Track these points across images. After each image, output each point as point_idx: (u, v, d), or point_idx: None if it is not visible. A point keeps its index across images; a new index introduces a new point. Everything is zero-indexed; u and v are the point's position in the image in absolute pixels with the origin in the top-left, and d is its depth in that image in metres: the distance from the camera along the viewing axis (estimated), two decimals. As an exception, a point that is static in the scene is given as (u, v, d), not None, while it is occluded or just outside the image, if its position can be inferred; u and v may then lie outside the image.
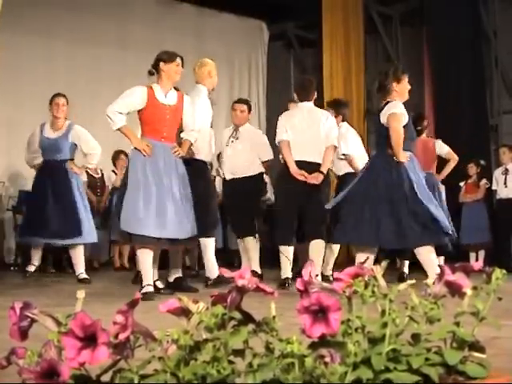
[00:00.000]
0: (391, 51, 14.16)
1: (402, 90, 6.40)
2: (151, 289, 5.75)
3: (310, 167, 6.72)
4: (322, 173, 6.70)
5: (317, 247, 6.75)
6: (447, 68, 12.13)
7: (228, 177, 7.72)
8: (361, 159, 7.52)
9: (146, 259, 5.85)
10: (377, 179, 6.15)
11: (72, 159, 8.14)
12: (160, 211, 5.75)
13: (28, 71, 11.62)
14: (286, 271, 6.77)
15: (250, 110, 7.88)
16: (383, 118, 6.20)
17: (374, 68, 14.47)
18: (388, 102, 6.29)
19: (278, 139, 6.94)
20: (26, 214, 8.65)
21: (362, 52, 13.85)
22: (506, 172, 10.39)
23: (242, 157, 7.48)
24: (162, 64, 6.09)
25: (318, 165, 6.74)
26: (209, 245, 6.94)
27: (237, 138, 7.69)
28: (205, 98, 6.78)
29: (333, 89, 13.44)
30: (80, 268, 7.86)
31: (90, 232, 8.02)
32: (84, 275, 7.77)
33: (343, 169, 7.70)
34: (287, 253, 6.80)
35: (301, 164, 6.74)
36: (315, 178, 6.68)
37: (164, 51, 6.27)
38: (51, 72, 11.96)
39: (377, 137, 6.58)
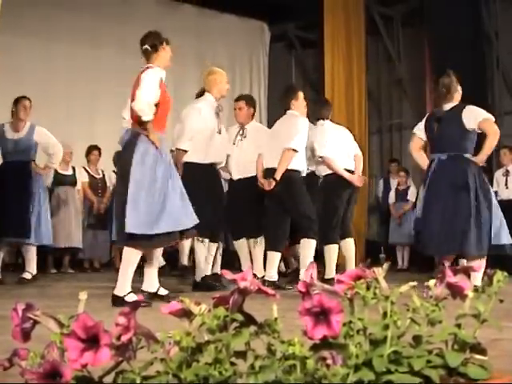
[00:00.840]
0: (392, 52, 14.18)
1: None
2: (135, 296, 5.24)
3: (270, 174, 6.96)
4: (274, 179, 6.87)
5: (303, 247, 6.95)
6: (448, 68, 12.11)
7: (235, 177, 7.70)
8: (340, 158, 7.52)
9: (135, 262, 5.38)
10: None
11: (34, 160, 8.07)
12: (174, 204, 5.43)
13: (28, 72, 11.63)
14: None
15: (250, 105, 7.84)
16: (471, 123, 6.29)
17: (375, 69, 14.51)
18: (456, 105, 6.55)
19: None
20: None
21: (363, 53, 13.87)
22: (506, 173, 10.39)
23: (248, 156, 7.48)
24: (164, 45, 5.74)
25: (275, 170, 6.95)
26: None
27: (245, 137, 7.70)
28: (205, 105, 6.90)
29: (334, 89, 13.45)
30: (29, 267, 7.94)
31: (43, 234, 8.00)
32: (26, 275, 7.87)
33: (324, 170, 7.65)
34: (277, 258, 7.04)
35: (267, 172, 7.01)
36: (267, 185, 6.93)
37: (158, 32, 5.88)
38: (51, 73, 11.97)
39: (451, 139, 6.41)
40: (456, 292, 1.57)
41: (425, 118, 6.77)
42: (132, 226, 5.19)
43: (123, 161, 5.53)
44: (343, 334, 1.47)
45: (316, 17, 13.63)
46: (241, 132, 7.74)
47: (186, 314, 1.44)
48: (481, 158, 6.32)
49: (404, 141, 14.31)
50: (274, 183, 6.84)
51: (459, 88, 6.48)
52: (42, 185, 8.13)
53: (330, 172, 7.49)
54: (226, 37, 14.49)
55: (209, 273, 6.91)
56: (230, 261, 8.25)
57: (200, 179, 6.69)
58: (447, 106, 6.47)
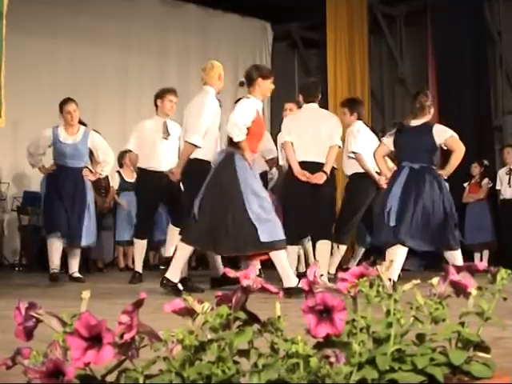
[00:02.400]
0: (395, 51, 14.17)
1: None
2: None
3: (314, 167, 6.73)
4: (324, 172, 6.68)
5: (323, 248, 6.76)
6: (451, 68, 12.12)
7: None
8: (370, 159, 7.49)
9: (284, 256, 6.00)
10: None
11: (87, 166, 8.06)
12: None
13: (31, 72, 11.65)
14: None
15: None
16: (439, 139, 6.53)
17: (378, 68, 14.49)
18: (427, 123, 6.65)
19: (281, 140, 7.00)
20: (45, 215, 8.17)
21: (366, 52, 13.85)
22: (510, 172, 10.38)
23: None
24: (259, 79, 6.16)
25: (322, 165, 6.74)
26: None
27: None
28: (213, 99, 6.77)
29: (337, 89, 13.45)
30: (75, 267, 8.09)
31: (90, 236, 8.03)
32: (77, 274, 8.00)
33: (353, 168, 7.65)
34: (294, 252, 6.90)
35: (304, 165, 6.76)
36: (318, 178, 6.67)
37: (262, 66, 6.56)
38: (55, 73, 11.98)
39: (416, 152, 6.59)
40: (459, 290, 1.56)
41: (395, 129, 6.83)
42: (267, 236, 5.83)
43: (224, 178, 5.96)
44: (346, 333, 1.47)
45: (319, 17, 13.63)
46: None
47: (189, 312, 1.44)
48: (447, 171, 6.65)
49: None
50: (324, 177, 6.69)
51: (432, 108, 6.75)
52: (90, 188, 8.13)
53: (357, 171, 7.50)
54: (230, 36, 14.48)
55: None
56: (235, 259, 8.22)
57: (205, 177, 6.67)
58: (418, 122, 6.60)
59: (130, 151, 7.93)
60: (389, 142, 6.75)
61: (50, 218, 7.83)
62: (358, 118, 7.83)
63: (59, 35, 12.22)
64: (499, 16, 12.58)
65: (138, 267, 7.72)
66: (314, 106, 7.03)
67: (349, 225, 7.51)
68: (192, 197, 6.35)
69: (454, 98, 12.03)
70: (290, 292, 5.40)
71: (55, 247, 7.85)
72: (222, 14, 14.49)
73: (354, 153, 7.52)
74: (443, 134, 6.57)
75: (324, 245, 6.77)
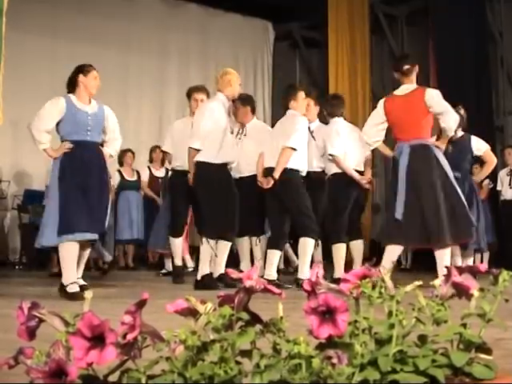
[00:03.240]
0: (397, 51, 14.16)
1: None
2: None
3: (269, 172, 6.91)
4: (272, 177, 6.82)
5: (301, 245, 6.91)
6: (452, 68, 12.11)
7: (236, 175, 7.72)
8: (352, 156, 7.46)
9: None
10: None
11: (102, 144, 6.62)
12: None
13: (31, 71, 11.65)
14: (301, 272, 6.87)
15: (245, 104, 7.89)
16: (478, 151, 7.75)
17: (380, 68, 14.49)
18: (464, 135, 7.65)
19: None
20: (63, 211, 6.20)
21: (367, 52, 13.87)
22: (510, 173, 10.38)
23: (249, 154, 7.49)
24: None
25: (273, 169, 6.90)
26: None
27: (245, 135, 7.74)
28: (218, 104, 6.90)
29: (338, 89, 13.43)
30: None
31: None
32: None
33: (332, 169, 7.59)
34: (277, 256, 6.97)
35: (267, 171, 6.96)
36: (266, 184, 6.89)
37: None
38: (55, 72, 11.96)
39: (461, 160, 7.39)
40: (462, 291, 1.56)
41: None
42: None
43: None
44: (348, 334, 1.47)
45: (320, 16, 13.64)
46: (241, 131, 7.78)
47: (192, 312, 1.44)
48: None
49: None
50: (272, 182, 6.81)
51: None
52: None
53: (338, 171, 7.45)
54: (231, 36, 14.49)
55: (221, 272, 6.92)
56: (235, 260, 8.23)
57: (212, 179, 6.73)
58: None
59: (165, 152, 8.15)
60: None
61: (69, 214, 6.04)
62: (337, 115, 7.67)
63: (59, 34, 12.23)
64: (500, 16, 12.58)
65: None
66: (289, 112, 7.14)
67: (336, 224, 7.48)
68: (200, 198, 6.79)
69: (455, 98, 11.98)
70: None
71: (73, 254, 6.10)
72: (223, 13, 14.49)
73: (331, 155, 7.47)
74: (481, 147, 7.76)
75: (301, 243, 6.90)
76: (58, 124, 6.24)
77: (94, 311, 1.37)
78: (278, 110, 12.28)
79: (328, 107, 7.74)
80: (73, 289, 5.83)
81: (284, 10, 14.24)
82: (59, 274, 6.42)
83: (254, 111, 8.01)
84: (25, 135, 10.38)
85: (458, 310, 1.57)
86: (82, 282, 6.15)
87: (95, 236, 6.17)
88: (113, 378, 1.43)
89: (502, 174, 10.52)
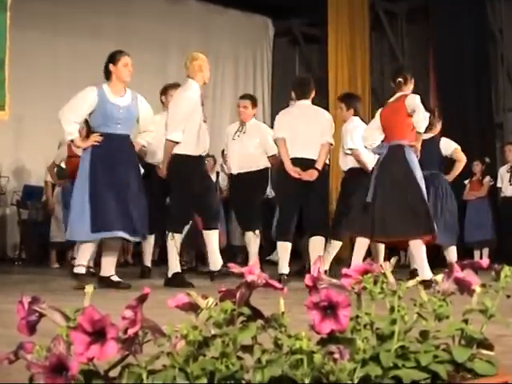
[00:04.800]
0: (396, 48, 14.17)
1: None
2: None
3: (306, 164, 6.78)
4: (316, 169, 6.73)
5: (317, 244, 6.78)
6: (452, 65, 12.11)
7: (235, 171, 7.74)
8: (369, 154, 7.47)
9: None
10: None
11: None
12: None
13: (32, 67, 11.64)
14: (283, 267, 6.79)
15: (254, 105, 7.90)
16: (447, 151, 8.05)
17: (379, 65, 14.49)
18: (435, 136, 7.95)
19: (274, 137, 7.04)
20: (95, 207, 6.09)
21: (367, 49, 13.86)
22: (511, 170, 10.38)
23: (248, 151, 7.49)
24: None
25: (313, 161, 6.78)
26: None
27: (244, 133, 7.73)
28: (192, 92, 6.64)
29: (338, 85, 13.45)
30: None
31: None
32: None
33: (349, 164, 7.64)
34: (285, 249, 6.84)
35: (296, 161, 6.79)
36: (309, 175, 6.73)
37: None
38: (55, 68, 12.00)
39: (430, 160, 7.51)
40: (464, 287, 1.56)
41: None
42: None
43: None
44: (350, 329, 1.47)
45: (320, 13, 13.62)
46: (241, 128, 7.78)
47: (193, 307, 1.44)
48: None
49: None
50: (316, 174, 6.73)
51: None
52: None
53: (355, 166, 7.49)
54: (231, 32, 14.49)
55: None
56: (233, 254, 8.24)
57: (189, 172, 6.56)
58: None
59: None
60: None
61: (103, 211, 5.98)
62: (355, 114, 7.79)
63: (60, 31, 12.24)
64: (501, 14, 12.58)
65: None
66: (307, 102, 7.07)
67: (344, 221, 7.49)
68: (173, 191, 6.63)
69: (455, 96, 12.02)
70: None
71: (90, 247, 6.23)
72: (223, 9, 14.49)
73: (350, 149, 7.50)
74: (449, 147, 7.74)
75: (318, 241, 6.79)
76: (89, 114, 6.23)
77: (95, 306, 1.37)
78: (277, 106, 12.29)
79: (350, 105, 7.86)
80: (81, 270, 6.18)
81: (284, 6, 14.24)
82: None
83: (255, 114, 8.05)
84: (25, 131, 10.43)
85: (460, 305, 1.56)
86: (117, 279, 6.27)
87: (130, 237, 6.25)
88: (113, 373, 1.43)
89: (503, 171, 10.53)
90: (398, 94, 6.62)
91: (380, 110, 6.81)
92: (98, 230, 5.98)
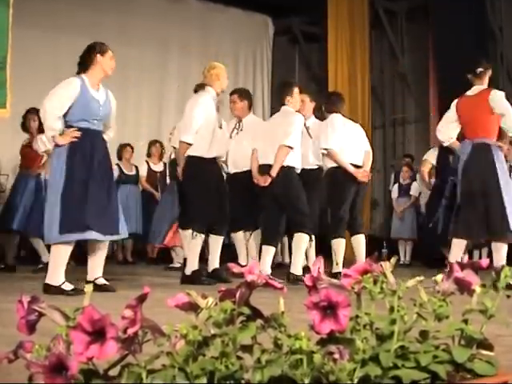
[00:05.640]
0: (396, 47, 14.17)
1: None
2: None
3: (267, 170, 6.90)
4: (269, 175, 6.81)
5: (297, 240, 6.89)
6: (452, 64, 12.10)
7: (231, 171, 7.75)
8: (348, 152, 7.43)
9: None
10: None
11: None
12: None
13: (33, 66, 11.63)
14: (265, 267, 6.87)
15: (242, 98, 7.88)
16: None
17: (379, 63, 14.49)
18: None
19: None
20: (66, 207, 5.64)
21: (367, 47, 13.86)
22: (510, 169, 10.37)
23: (244, 150, 7.48)
24: None
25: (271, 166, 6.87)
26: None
27: (241, 130, 7.74)
28: (207, 99, 6.84)
29: (337, 84, 13.45)
30: None
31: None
32: None
33: (328, 163, 7.56)
34: (271, 253, 6.95)
35: (262, 168, 6.95)
36: (263, 181, 6.87)
37: None
38: (55, 66, 11.96)
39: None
40: (463, 287, 1.56)
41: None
42: None
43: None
44: (350, 329, 1.47)
45: (320, 11, 13.61)
46: (237, 126, 7.79)
47: (193, 307, 1.44)
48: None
49: (407, 135, 14.30)
50: (269, 180, 6.81)
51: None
52: None
53: (333, 165, 7.43)
54: (231, 31, 14.48)
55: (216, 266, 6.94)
56: (233, 255, 8.23)
57: (203, 173, 6.71)
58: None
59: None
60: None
61: (74, 211, 5.55)
62: (335, 112, 7.63)
63: (60, 30, 12.22)
64: (501, 12, 12.57)
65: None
66: (283, 108, 7.15)
67: (335, 219, 7.47)
68: (189, 193, 6.81)
69: (455, 95, 11.99)
70: None
71: (66, 255, 5.77)
72: (223, 8, 14.47)
73: (325, 149, 7.44)
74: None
75: (297, 237, 6.88)
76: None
77: (94, 305, 1.37)
78: (277, 105, 12.30)
79: (326, 103, 7.74)
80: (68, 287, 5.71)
81: (284, 4, 14.22)
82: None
83: (250, 107, 8.00)
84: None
85: (460, 305, 1.56)
86: (103, 281, 5.96)
87: (105, 237, 5.81)
88: (113, 372, 1.43)
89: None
90: (480, 88, 6.65)
91: (456, 102, 6.81)
92: (68, 231, 5.50)
